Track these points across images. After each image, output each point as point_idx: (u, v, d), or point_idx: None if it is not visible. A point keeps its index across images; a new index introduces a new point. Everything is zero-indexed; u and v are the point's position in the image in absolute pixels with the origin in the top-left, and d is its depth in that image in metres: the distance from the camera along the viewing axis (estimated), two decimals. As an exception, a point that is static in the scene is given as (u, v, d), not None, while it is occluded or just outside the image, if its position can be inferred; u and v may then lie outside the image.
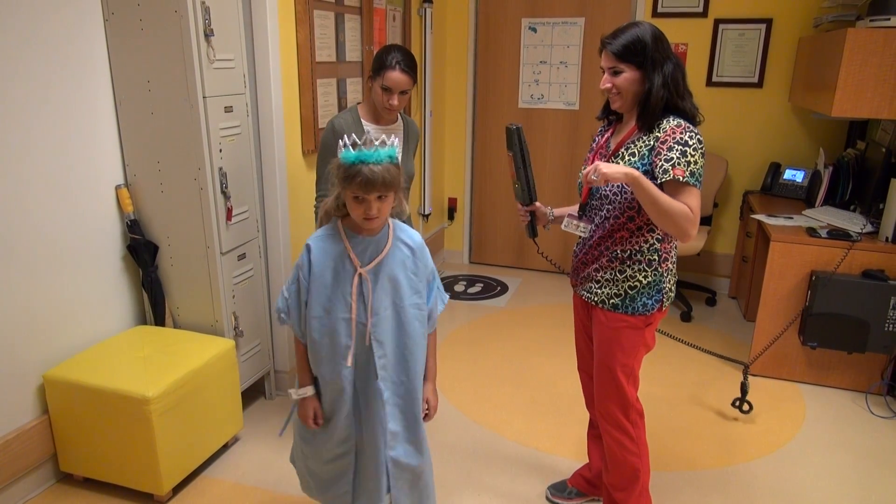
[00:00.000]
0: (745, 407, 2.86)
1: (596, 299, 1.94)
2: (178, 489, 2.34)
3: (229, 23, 2.40)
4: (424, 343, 1.74)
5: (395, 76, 2.20)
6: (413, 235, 1.72)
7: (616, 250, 1.88)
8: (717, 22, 3.98)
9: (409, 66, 2.23)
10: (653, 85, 1.76)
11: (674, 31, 4.08)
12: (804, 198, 3.72)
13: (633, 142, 1.84)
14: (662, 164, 1.74)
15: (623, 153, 1.85)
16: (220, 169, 2.43)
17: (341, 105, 3.17)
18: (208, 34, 2.29)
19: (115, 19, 2.32)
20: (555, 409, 2.93)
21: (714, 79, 4.07)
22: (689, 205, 1.72)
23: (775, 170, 3.89)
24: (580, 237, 2.01)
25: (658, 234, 1.85)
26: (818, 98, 3.24)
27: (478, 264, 4.96)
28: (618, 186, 1.82)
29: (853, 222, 3.11)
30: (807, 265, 3.01)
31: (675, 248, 1.94)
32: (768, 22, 3.90)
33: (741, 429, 2.79)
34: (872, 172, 3.20)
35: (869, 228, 3.04)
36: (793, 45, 3.90)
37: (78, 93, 2.28)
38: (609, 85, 1.81)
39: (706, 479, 2.47)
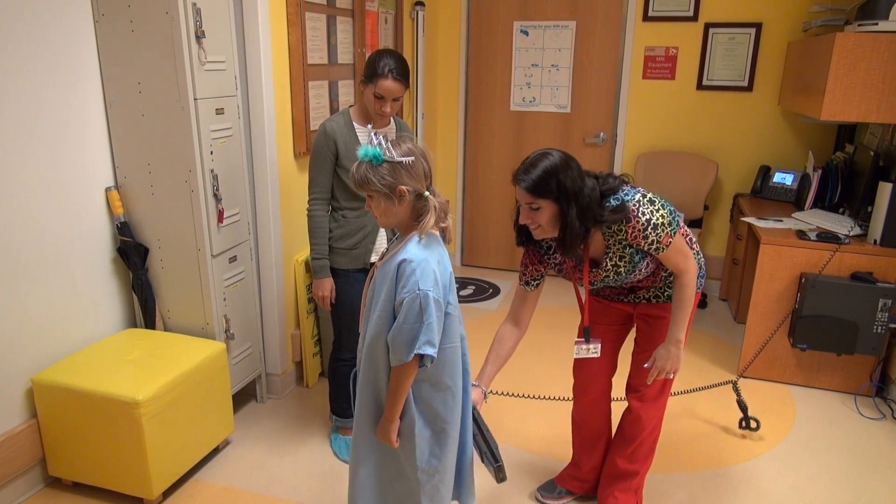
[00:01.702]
0: (753, 424, 2.74)
1: (648, 295, 2.05)
2: (168, 493, 2.33)
3: (220, 24, 2.39)
4: (381, 355, 1.63)
5: (388, 84, 2.19)
6: (400, 255, 1.58)
7: (662, 274, 1.99)
8: (708, 26, 4.01)
9: (402, 73, 2.22)
10: (570, 218, 1.74)
11: (664, 35, 4.10)
12: (793, 201, 3.75)
13: (608, 253, 1.88)
14: (650, 247, 1.82)
15: (610, 263, 1.89)
16: (212, 171, 2.43)
17: (333, 107, 3.16)
18: (199, 36, 2.28)
19: (105, 21, 2.30)
20: (546, 410, 2.93)
21: (704, 82, 4.10)
22: (680, 253, 1.85)
23: (765, 173, 3.91)
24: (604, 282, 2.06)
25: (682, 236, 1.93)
26: (807, 102, 3.27)
27: (470, 266, 4.96)
28: (645, 271, 1.92)
29: (842, 225, 3.13)
30: (796, 267, 3.04)
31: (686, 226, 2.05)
32: (758, 26, 3.93)
33: (732, 430, 2.80)
34: (861, 175, 3.23)
35: (857, 231, 3.07)
36: (782, 49, 3.93)
37: (68, 94, 2.27)
38: (529, 220, 1.79)
39: (697, 480, 2.48)
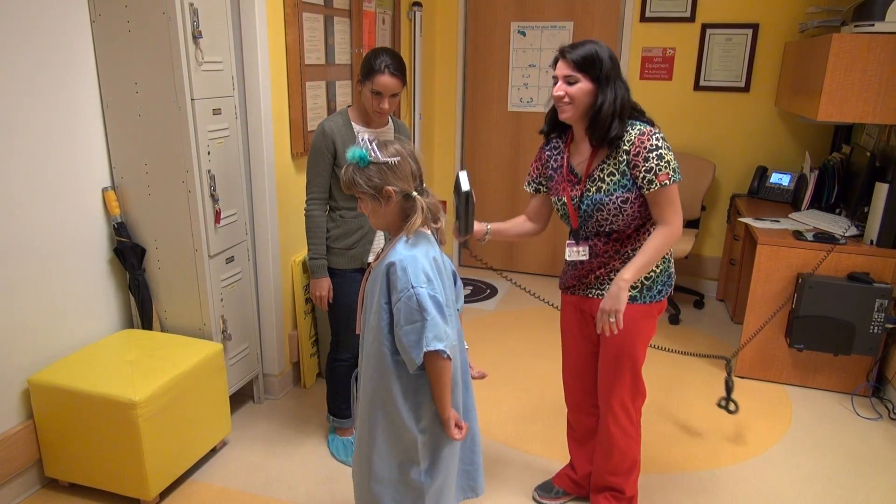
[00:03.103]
0: (732, 406, 2.70)
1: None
2: (165, 494, 2.32)
3: (218, 25, 2.39)
4: (380, 362, 1.62)
5: (385, 80, 2.20)
6: (388, 259, 1.58)
7: (627, 251, 1.95)
8: (705, 27, 4.02)
9: (399, 69, 2.23)
10: (605, 100, 1.82)
11: (661, 36, 4.11)
12: (790, 201, 3.75)
13: (605, 163, 1.89)
14: (645, 176, 1.83)
15: (599, 175, 1.90)
16: (209, 171, 2.42)
17: (330, 108, 3.16)
18: (196, 36, 2.28)
19: (101, 21, 2.30)
20: (543, 411, 2.93)
21: (701, 83, 4.10)
22: (671, 205, 1.84)
23: (762, 173, 3.92)
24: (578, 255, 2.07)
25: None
26: (804, 102, 3.28)
27: (467, 267, 4.96)
28: (616, 209, 1.88)
29: (838, 225, 3.14)
30: (793, 268, 3.04)
31: None
32: (755, 27, 3.94)
33: (729, 431, 2.81)
34: (857, 176, 3.24)
35: (854, 231, 3.08)
36: (779, 50, 3.94)
37: (64, 95, 2.26)
38: (562, 93, 1.84)
39: (694, 481, 2.48)
